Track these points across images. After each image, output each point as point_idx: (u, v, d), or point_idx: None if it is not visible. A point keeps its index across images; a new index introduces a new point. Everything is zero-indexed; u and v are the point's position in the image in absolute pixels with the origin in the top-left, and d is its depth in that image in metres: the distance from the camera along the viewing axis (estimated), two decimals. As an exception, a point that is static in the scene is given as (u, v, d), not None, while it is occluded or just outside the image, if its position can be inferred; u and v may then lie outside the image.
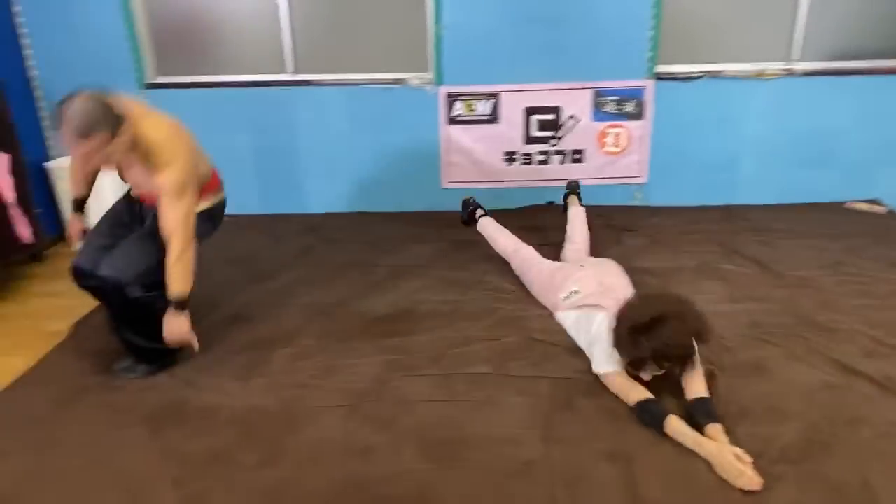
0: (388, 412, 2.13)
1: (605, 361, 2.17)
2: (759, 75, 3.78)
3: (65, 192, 3.78)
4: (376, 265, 3.30)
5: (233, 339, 2.62)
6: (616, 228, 3.68)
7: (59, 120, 1.93)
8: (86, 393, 2.30)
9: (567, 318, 2.56)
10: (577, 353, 2.44)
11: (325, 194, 4.06)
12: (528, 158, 3.98)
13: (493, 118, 3.89)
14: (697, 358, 2.06)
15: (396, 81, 3.84)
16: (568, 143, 3.94)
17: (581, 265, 2.78)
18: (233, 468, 1.90)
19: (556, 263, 2.90)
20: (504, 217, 3.85)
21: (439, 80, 3.82)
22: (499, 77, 3.81)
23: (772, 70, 3.77)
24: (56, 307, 3.16)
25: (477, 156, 3.97)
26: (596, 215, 3.82)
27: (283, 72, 3.86)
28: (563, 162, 3.99)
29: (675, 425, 1.92)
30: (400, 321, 2.75)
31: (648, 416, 1.99)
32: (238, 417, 2.13)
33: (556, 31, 3.70)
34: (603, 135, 3.93)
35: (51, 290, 3.43)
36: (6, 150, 3.30)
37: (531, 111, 3.88)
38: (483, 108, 3.87)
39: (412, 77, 3.83)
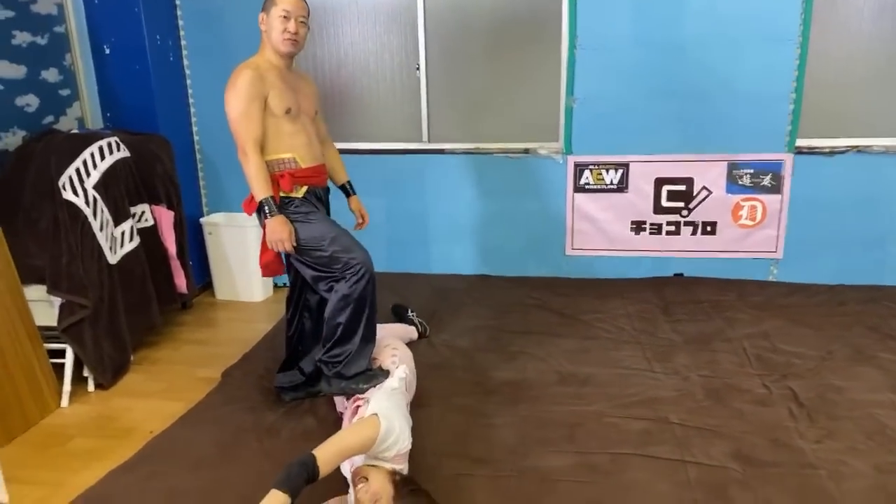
0: (531, 489, 2.11)
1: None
2: (912, 151, 3.59)
3: (214, 244, 4.10)
4: (502, 330, 3.32)
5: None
6: (752, 305, 3.54)
7: None
8: (245, 436, 2.43)
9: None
10: (720, 437, 2.34)
11: (450, 256, 4.17)
12: (657, 228, 3.93)
13: (621, 187, 3.89)
14: None
15: (525, 151, 3.94)
16: (700, 215, 3.86)
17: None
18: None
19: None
20: (629, 287, 3.82)
21: (568, 150, 3.88)
22: (629, 147, 3.82)
23: (927, 146, 3.57)
24: (205, 355, 3.40)
25: (604, 224, 3.97)
26: (729, 290, 3.72)
27: (419, 140, 4.05)
28: (693, 233, 3.91)
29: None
30: (528, 388, 2.74)
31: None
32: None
33: (691, 104, 3.69)
34: (737, 207, 3.82)
35: (199, 337, 3.70)
36: (171, 208, 3.64)
37: (662, 182, 3.85)
38: (612, 177, 3.89)
39: (541, 147, 3.92)
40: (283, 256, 2.57)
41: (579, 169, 3.91)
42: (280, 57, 2.46)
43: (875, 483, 2.10)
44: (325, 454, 1.81)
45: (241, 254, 4.06)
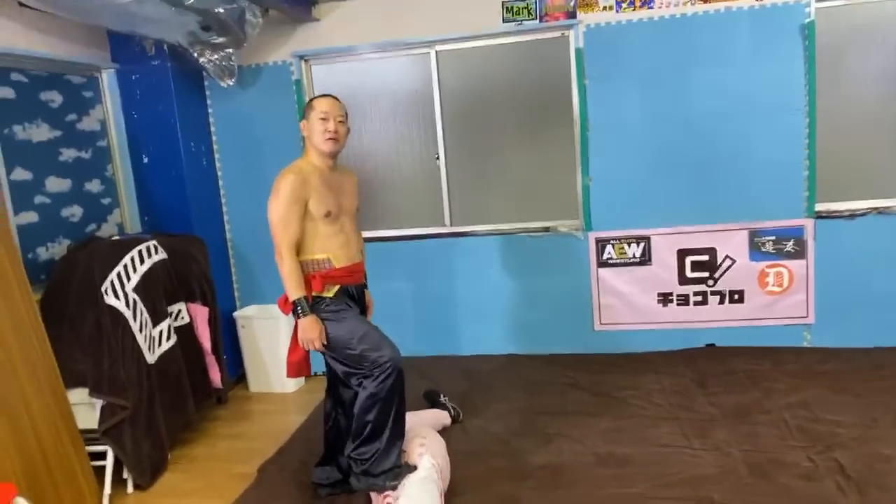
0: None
1: None
2: (934, 209, 3.59)
3: (247, 337, 4.19)
4: (535, 412, 3.30)
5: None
6: (788, 373, 3.48)
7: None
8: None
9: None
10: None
11: (477, 336, 4.20)
12: (684, 299, 3.94)
13: (644, 260, 3.93)
14: None
15: (545, 229, 4.03)
16: (726, 284, 3.87)
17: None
18: None
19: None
20: (662, 361, 3.79)
21: (588, 227, 3.96)
22: (649, 220, 3.89)
23: (948, 203, 3.57)
24: (241, 450, 3.41)
25: (630, 297, 3.98)
26: (764, 359, 3.67)
27: (441, 224, 4.17)
28: (721, 303, 3.90)
29: None
30: (566, 472, 2.70)
31: None
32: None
33: (707, 175, 3.77)
34: (763, 275, 3.83)
35: (235, 432, 3.72)
36: (206, 304, 3.76)
37: (684, 252, 3.88)
38: (634, 251, 3.94)
39: (561, 224, 4.00)
40: (310, 358, 2.65)
41: (601, 244, 3.97)
42: (323, 158, 2.58)
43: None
44: None
45: (273, 345, 4.14)
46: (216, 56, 3.71)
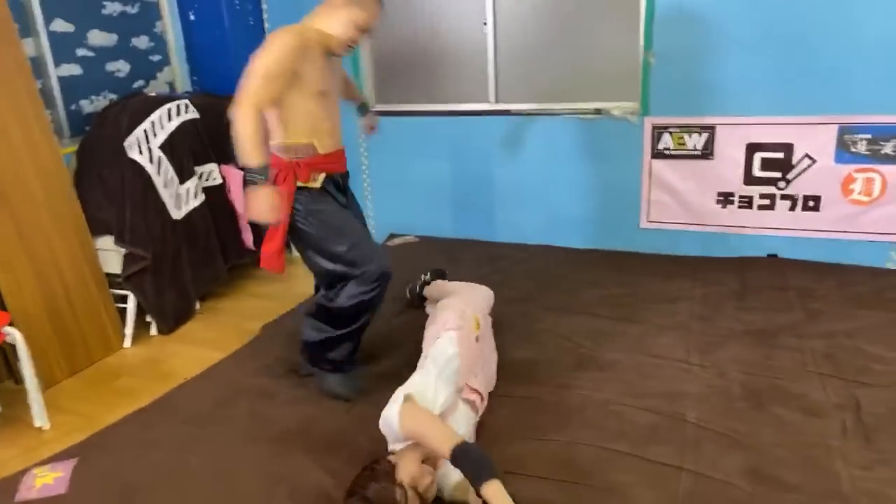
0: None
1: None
2: None
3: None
4: (537, 305, 3.08)
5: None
6: (850, 296, 2.98)
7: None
8: (241, 397, 2.51)
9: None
10: (732, 448, 2.01)
11: (515, 224, 3.97)
12: (747, 202, 3.44)
13: (706, 153, 3.43)
14: None
15: (598, 111, 3.60)
16: (800, 187, 3.31)
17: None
18: None
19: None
20: (707, 266, 3.40)
21: (645, 111, 3.48)
22: (716, 107, 3.34)
23: None
24: (264, 309, 3.51)
25: (685, 195, 3.54)
26: (830, 277, 3.17)
27: (485, 101, 3.86)
28: (792, 209, 3.36)
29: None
30: (539, 370, 2.52)
31: (471, 464, 1.69)
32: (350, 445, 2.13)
33: (795, 54, 3.13)
34: (849, 180, 3.22)
35: (265, 291, 3.88)
36: (241, 167, 3.81)
37: (754, 148, 3.34)
38: (695, 141, 3.44)
39: (614, 107, 3.56)
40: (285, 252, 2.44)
41: (658, 132, 3.50)
42: (328, 41, 2.30)
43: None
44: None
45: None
46: None
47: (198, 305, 3.62)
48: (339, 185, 2.48)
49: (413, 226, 4.19)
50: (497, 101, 3.84)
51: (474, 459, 1.70)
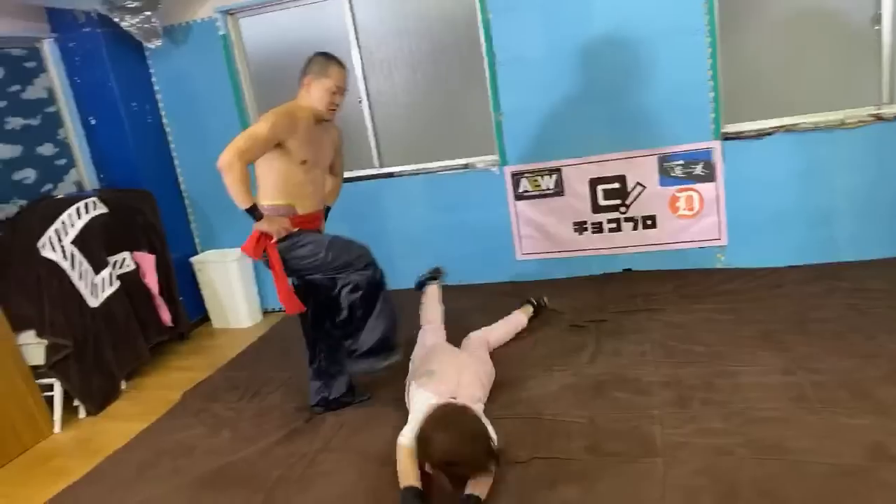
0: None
1: (409, 433, 2.33)
2: (841, 125, 3.51)
3: (205, 280, 4.59)
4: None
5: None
6: (684, 295, 3.59)
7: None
8: (164, 456, 2.82)
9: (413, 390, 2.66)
10: (577, 433, 2.48)
11: (411, 271, 4.43)
12: (598, 227, 4.04)
13: (558, 191, 4.04)
14: (488, 474, 2.19)
15: (466, 166, 4.17)
16: (638, 210, 3.94)
17: (455, 353, 2.92)
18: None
19: (437, 344, 3.06)
20: (574, 286, 3.95)
21: (504, 161, 4.07)
22: (561, 152, 3.96)
23: (854, 117, 3.49)
24: (188, 379, 3.78)
25: (547, 228, 4.12)
26: (668, 282, 3.77)
27: (371, 166, 4.37)
28: (635, 228, 3.99)
29: None
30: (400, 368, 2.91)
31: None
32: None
33: (614, 103, 3.79)
34: (674, 199, 3.87)
35: (186, 364, 4.16)
36: (153, 252, 4.15)
37: (596, 181, 3.96)
38: (547, 182, 4.04)
39: (478, 160, 4.13)
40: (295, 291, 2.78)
41: (516, 178, 4.09)
42: (315, 113, 2.71)
43: (703, 466, 2.18)
44: None
45: (227, 286, 4.53)
46: (136, 19, 3.94)
47: (123, 385, 3.87)
48: None
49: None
50: (381, 165, 4.36)
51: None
